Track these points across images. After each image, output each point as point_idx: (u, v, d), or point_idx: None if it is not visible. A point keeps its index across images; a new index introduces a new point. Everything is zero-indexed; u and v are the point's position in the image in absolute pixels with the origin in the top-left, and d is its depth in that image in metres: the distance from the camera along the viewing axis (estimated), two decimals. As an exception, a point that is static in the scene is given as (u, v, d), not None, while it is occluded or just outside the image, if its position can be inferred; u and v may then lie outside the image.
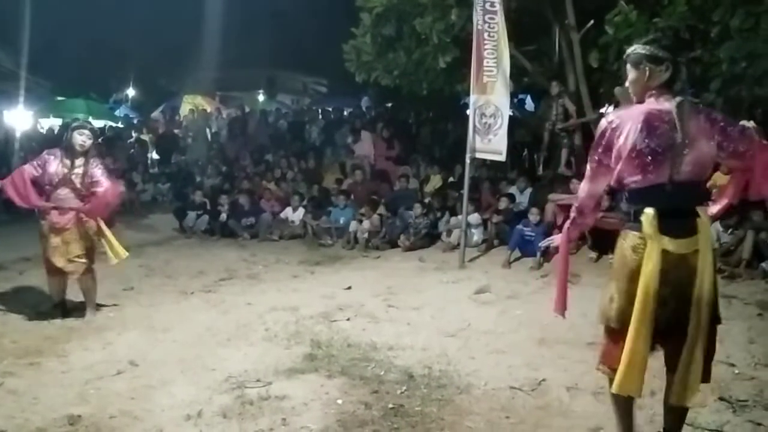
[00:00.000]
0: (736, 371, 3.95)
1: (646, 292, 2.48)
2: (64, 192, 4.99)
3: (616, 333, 2.62)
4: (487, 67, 7.21)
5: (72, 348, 4.42)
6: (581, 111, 8.98)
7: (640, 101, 2.65)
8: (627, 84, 2.73)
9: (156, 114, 19.95)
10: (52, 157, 5.00)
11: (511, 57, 7.44)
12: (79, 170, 5.01)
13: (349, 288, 6.28)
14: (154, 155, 15.01)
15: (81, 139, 5.00)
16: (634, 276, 2.54)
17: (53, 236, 4.98)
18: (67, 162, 5.00)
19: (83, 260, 5.07)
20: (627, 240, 2.62)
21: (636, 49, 2.68)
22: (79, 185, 5.00)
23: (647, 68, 2.61)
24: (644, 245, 2.53)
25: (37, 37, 14.05)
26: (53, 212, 4.97)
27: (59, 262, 5.00)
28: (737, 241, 6.77)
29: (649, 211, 2.53)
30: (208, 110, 18.16)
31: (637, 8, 7.36)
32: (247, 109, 17.74)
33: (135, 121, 18.71)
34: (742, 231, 6.78)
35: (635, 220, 2.58)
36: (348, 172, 11.15)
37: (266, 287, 6.47)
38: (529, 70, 9.18)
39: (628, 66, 2.72)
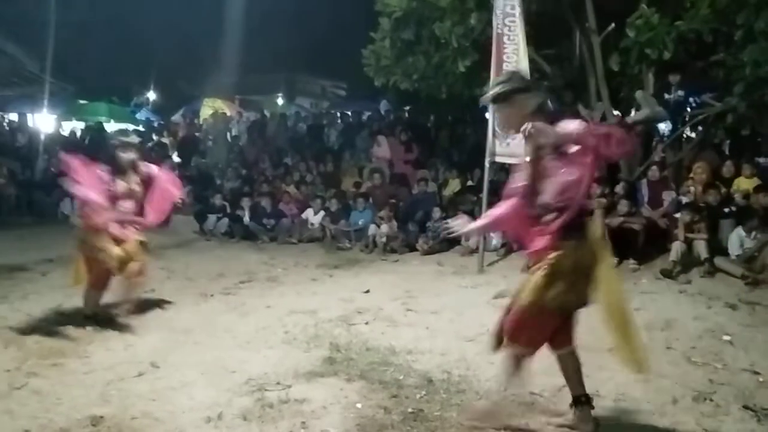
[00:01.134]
0: (761, 379, 3.90)
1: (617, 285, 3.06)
2: (127, 204, 5.06)
3: (555, 319, 3.02)
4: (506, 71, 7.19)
5: (94, 349, 4.47)
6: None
7: (518, 131, 2.82)
8: (502, 122, 3.06)
9: (176, 117, 20.11)
10: (112, 177, 5.00)
11: (531, 61, 7.42)
12: (136, 179, 5.13)
13: (368, 291, 6.29)
14: (175, 158, 15.13)
15: (126, 156, 5.07)
16: (589, 274, 2.92)
17: (113, 246, 4.89)
18: (124, 177, 5.07)
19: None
20: (583, 247, 2.92)
21: (499, 90, 2.96)
22: (140, 196, 5.12)
23: (518, 99, 2.92)
24: (593, 249, 2.93)
25: (61, 42, 14.28)
26: (114, 225, 4.95)
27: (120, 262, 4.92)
28: (760, 246, 6.67)
29: (596, 220, 3.04)
30: (228, 114, 18.28)
31: (659, 11, 7.30)
32: (266, 113, 17.84)
33: (156, 125, 18.88)
34: (765, 236, 6.68)
35: (583, 229, 2.94)
36: (366, 175, 11.16)
37: (285, 290, 6.50)
38: (549, 74, 9.14)
39: (499, 105, 3.02)
